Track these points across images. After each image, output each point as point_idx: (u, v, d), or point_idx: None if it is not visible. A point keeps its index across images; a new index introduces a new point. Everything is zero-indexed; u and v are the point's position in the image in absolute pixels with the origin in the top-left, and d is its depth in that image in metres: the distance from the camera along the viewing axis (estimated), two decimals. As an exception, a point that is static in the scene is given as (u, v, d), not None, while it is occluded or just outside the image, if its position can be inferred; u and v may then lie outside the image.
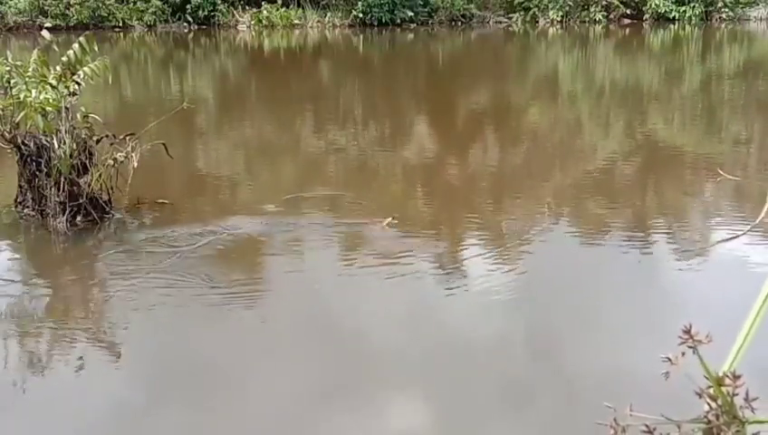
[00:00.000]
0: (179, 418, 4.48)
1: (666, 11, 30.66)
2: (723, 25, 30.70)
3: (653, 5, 30.83)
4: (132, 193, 7.88)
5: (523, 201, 8.52)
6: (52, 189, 7.45)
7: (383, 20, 30.82)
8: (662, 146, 11.70)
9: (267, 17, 31.07)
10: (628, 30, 30.32)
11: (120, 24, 30.13)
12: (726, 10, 31.06)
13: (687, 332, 1.10)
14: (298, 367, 4.89)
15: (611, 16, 31.52)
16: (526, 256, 6.62)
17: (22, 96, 7.28)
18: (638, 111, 14.67)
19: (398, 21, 31.06)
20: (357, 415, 4.40)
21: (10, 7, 29.60)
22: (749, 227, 6.93)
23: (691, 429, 1.10)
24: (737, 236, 6.79)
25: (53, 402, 4.65)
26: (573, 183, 9.42)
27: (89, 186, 7.52)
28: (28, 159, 7.54)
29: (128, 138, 7.75)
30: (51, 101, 7.33)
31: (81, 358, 5.09)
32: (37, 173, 7.55)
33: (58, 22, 28.59)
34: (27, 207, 7.73)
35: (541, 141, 12.14)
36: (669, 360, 1.11)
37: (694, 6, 30.64)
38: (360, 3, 30.68)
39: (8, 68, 7.45)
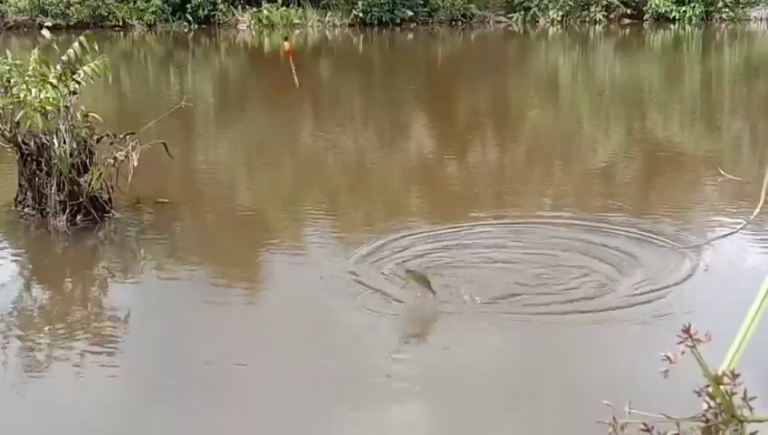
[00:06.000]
0: (178, 417, 4.49)
1: (666, 11, 30.61)
2: (723, 25, 30.67)
3: (653, 5, 30.79)
4: (132, 192, 7.87)
5: (523, 199, 8.52)
6: (53, 188, 7.45)
7: (383, 20, 30.79)
8: (662, 145, 11.70)
9: (267, 17, 31.04)
10: (628, 30, 30.30)
11: (121, 24, 30.10)
12: (726, 10, 31.01)
13: (687, 331, 1.11)
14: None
15: (611, 16, 31.48)
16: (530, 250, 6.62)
17: (22, 95, 7.28)
18: (639, 110, 14.66)
19: (398, 21, 31.03)
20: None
21: (10, 6, 29.57)
22: (745, 222, 6.90)
23: (690, 427, 1.10)
24: (736, 231, 6.77)
25: (53, 402, 4.65)
26: (575, 182, 9.42)
27: (89, 185, 7.51)
28: (28, 159, 7.54)
29: (128, 137, 7.75)
30: (51, 100, 7.33)
31: (80, 357, 5.08)
32: (37, 172, 7.55)
33: (58, 21, 28.55)
34: (27, 206, 7.72)
35: (542, 141, 12.14)
36: (668, 358, 1.11)
37: (694, 6, 30.59)
38: (360, 2, 30.65)
39: (8, 67, 7.45)
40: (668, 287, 5.83)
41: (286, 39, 7.36)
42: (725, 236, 6.77)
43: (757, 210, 6.60)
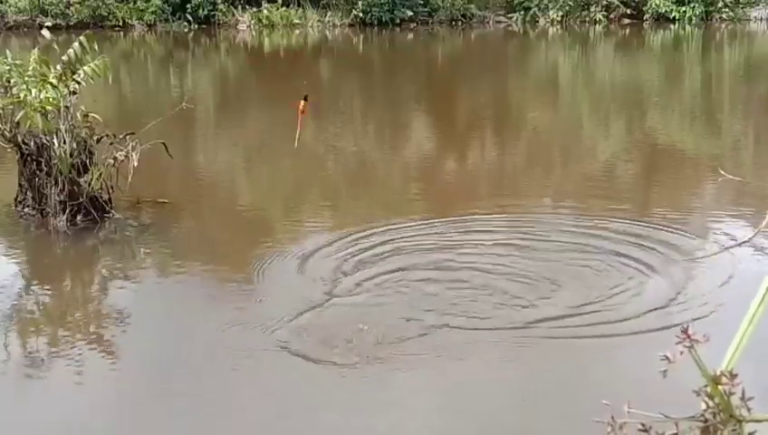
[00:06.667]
0: (178, 417, 4.49)
1: (666, 11, 30.64)
2: (723, 25, 30.69)
3: (653, 5, 30.81)
4: (132, 192, 7.88)
5: (524, 199, 8.52)
6: (53, 188, 7.45)
7: (383, 20, 30.81)
8: (662, 146, 11.70)
9: (267, 17, 31.06)
10: (628, 30, 30.31)
11: (121, 24, 30.11)
12: (726, 10, 31.04)
13: (685, 331, 1.11)
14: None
15: (611, 16, 31.51)
16: (532, 248, 6.61)
17: (22, 95, 7.28)
18: (639, 111, 14.66)
19: (398, 21, 31.06)
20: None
21: (10, 6, 29.59)
22: (751, 235, 6.84)
23: (688, 427, 1.10)
24: (740, 244, 6.70)
25: (53, 402, 4.66)
26: (575, 182, 9.42)
27: (89, 185, 7.52)
28: (28, 159, 7.55)
29: (128, 137, 7.76)
30: (51, 100, 7.33)
31: (80, 357, 5.09)
32: (37, 172, 7.55)
33: (58, 21, 28.56)
34: (27, 206, 7.73)
35: (542, 141, 12.14)
36: (667, 358, 1.11)
37: (694, 6, 30.61)
38: (360, 2, 30.67)
39: (8, 67, 7.46)
40: (679, 297, 5.79)
41: (305, 99, 6.83)
42: (736, 246, 6.68)
43: (765, 222, 6.57)
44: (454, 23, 31.61)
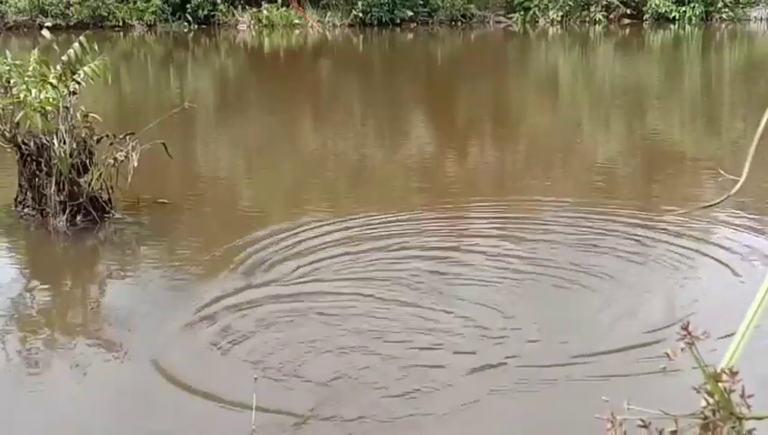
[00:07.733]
0: (177, 419, 4.49)
1: (666, 11, 30.65)
2: (723, 26, 30.70)
3: (653, 5, 30.82)
4: (132, 193, 7.88)
5: (522, 198, 8.52)
6: (53, 189, 7.46)
7: (383, 20, 30.82)
8: (662, 145, 11.70)
9: (267, 17, 31.07)
10: (627, 30, 30.32)
11: (121, 24, 30.12)
12: (726, 10, 31.05)
13: (685, 328, 1.11)
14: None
15: (611, 16, 31.52)
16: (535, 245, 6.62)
17: (22, 95, 7.29)
18: (639, 110, 14.66)
19: (398, 21, 31.07)
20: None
21: (10, 6, 29.60)
22: (731, 192, 6.76)
23: (688, 424, 1.10)
24: (718, 203, 6.60)
25: (53, 402, 4.66)
26: (575, 180, 9.42)
27: (89, 185, 7.52)
28: (28, 159, 7.55)
29: (127, 137, 7.76)
30: (51, 100, 7.33)
31: (80, 357, 5.09)
32: (37, 172, 7.56)
33: (58, 21, 28.56)
34: (27, 206, 7.73)
35: (542, 142, 12.14)
36: (668, 355, 1.11)
37: (694, 6, 30.63)
38: (359, 2, 30.68)
39: (8, 67, 7.46)
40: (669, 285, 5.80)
41: None
42: (708, 206, 6.61)
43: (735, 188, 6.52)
44: (454, 23, 31.62)
